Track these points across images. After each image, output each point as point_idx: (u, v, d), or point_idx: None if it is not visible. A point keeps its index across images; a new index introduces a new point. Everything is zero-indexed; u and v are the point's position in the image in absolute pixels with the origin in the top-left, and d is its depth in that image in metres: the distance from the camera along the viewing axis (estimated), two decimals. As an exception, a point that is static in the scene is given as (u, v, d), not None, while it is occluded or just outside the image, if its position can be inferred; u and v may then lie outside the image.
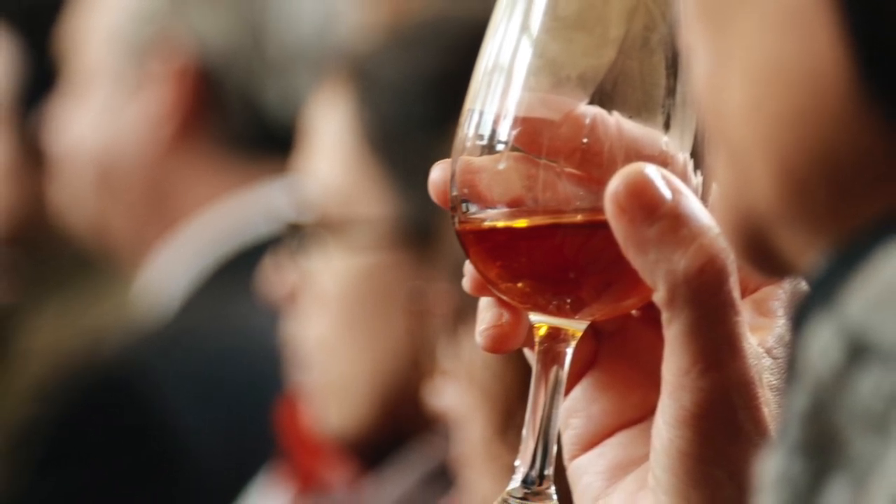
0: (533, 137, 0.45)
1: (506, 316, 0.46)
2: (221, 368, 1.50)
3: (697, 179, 0.44)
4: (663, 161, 0.43)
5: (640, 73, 0.44)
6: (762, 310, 0.46)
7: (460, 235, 0.46)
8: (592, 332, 0.47)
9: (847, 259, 0.31)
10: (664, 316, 0.42)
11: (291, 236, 1.27)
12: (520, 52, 0.44)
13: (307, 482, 1.32)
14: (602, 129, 0.44)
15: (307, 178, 1.27)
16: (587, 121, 0.44)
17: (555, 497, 0.46)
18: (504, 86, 0.44)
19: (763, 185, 0.33)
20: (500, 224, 0.45)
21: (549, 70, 0.44)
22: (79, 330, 1.72)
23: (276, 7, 1.66)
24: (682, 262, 0.41)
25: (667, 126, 0.44)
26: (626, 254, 0.42)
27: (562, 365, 0.46)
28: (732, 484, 0.42)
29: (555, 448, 0.46)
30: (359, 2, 1.79)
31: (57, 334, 1.74)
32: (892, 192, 0.31)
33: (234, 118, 1.61)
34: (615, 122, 0.44)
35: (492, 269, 0.45)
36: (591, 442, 0.47)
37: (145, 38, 1.55)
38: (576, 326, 0.46)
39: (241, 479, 1.39)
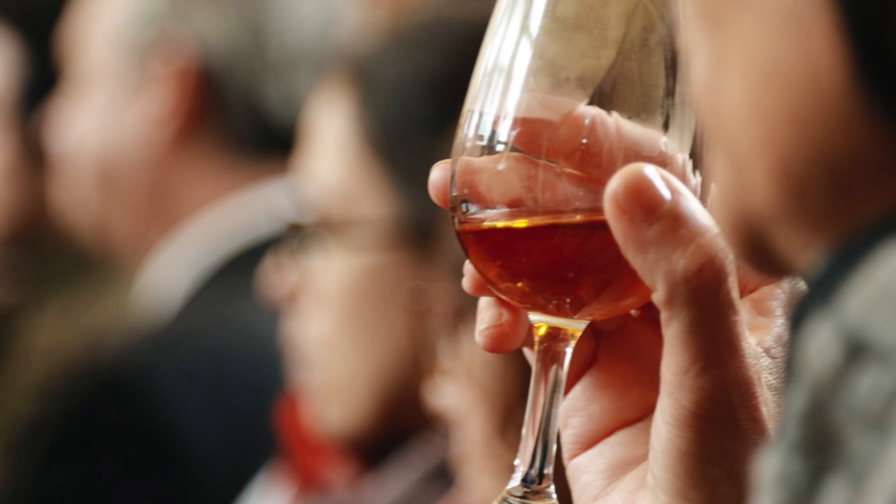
0: (532, 138, 0.45)
1: (505, 315, 0.46)
2: (223, 367, 1.50)
3: (696, 180, 0.45)
4: (662, 161, 0.44)
5: (640, 74, 0.44)
6: (761, 309, 0.46)
7: (460, 236, 0.46)
8: (592, 331, 0.47)
9: (845, 258, 0.31)
10: (663, 315, 0.42)
11: (292, 236, 1.27)
12: (519, 53, 0.44)
13: (308, 480, 1.32)
14: (601, 130, 0.44)
15: (308, 179, 1.28)
16: (586, 121, 0.44)
17: (554, 496, 0.46)
18: (504, 87, 0.45)
19: (761, 185, 0.33)
20: (500, 224, 0.45)
21: (548, 71, 0.44)
22: (81, 329, 1.72)
23: (278, 8, 1.66)
24: (681, 261, 0.41)
25: (666, 126, 0.44)
26: (625, 254, 0.42)
27: (561, 364, 0.46)
28: (731, 483, 0.42)
29: (554, 447, 0.46)
30: (359, 3, 1.79)
31: (59, 333, 1.74)
32: (889, 192, 0.31)
33: (236, 119, 1.61)
34: (614, 122, 0.44)
35: (491, 269, 0.45)
36: (591, 441, 0.47)
37: (147, 39, 1.55)
38: (575, 326, 0.46)
39: (243, 477, 1.39)
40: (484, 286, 0.46)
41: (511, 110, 0.44)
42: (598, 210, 0.42)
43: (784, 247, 0.34)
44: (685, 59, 0.42)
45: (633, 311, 0.47)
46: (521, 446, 0.46)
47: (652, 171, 0.42)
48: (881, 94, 0.31)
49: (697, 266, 0.41)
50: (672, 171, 0.43)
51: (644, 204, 0.41)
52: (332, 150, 1.24)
